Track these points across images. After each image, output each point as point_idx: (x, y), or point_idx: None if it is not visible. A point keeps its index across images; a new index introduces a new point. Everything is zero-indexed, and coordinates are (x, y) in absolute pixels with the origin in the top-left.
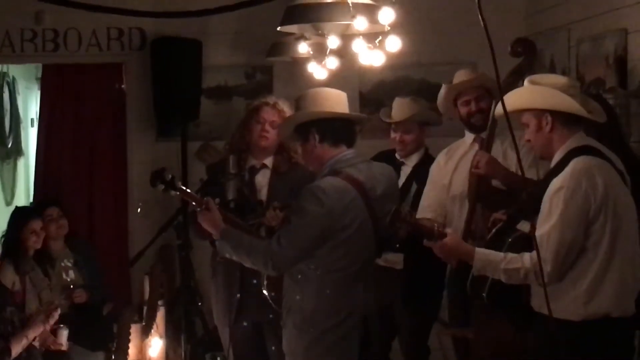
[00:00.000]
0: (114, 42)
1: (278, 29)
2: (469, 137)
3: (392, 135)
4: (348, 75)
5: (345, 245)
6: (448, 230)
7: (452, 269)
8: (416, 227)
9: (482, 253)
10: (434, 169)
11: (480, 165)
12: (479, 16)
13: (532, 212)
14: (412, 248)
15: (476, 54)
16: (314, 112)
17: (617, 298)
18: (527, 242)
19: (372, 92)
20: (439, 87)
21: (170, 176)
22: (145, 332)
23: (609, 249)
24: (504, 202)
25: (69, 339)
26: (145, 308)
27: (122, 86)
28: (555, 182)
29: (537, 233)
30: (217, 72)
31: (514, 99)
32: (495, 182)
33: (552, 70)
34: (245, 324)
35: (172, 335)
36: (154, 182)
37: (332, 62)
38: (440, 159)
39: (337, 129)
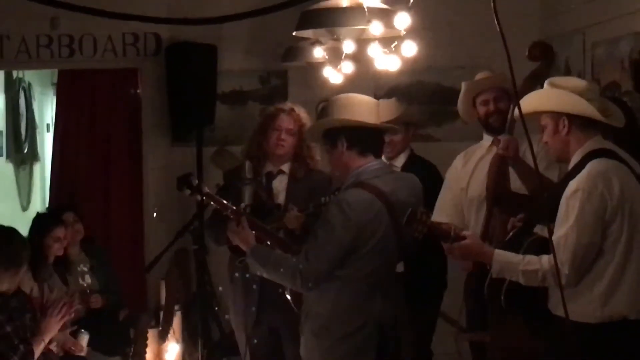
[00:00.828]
0: (130, 48)
1: (294, 34)
2: (487, 139)
3: None
4: (363, 79)
5: (368, 257)
6: (466, 232)
7: (470, 274)
8: (432, 228)
9: (501, 255)
10: (450, 172)
11: (510, 147)
12: (495, 19)
13: (548, 214)
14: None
15: (492, 58)
16: (345, 120)
17: (635, 300)
18: (544, 245)
19: (387, 97)
20: (453, 91)
21: (196, 181)
22: (162, 337)
23: (625, 251)
24: (522, 205)
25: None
26: (161, 313)
27: (138, 91)
28: (572, 185)
29: (554, 236)
30: (232, 77)
31: (533, 100)
32: (513, 186)
33: (567, 73)
34: (262, 329)
35: (188, 340)
36: (181, 186)
37: (348, 67)
38: (457, 162)
39: (365, 138)
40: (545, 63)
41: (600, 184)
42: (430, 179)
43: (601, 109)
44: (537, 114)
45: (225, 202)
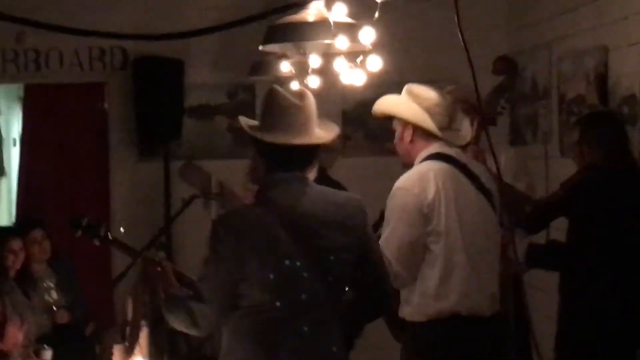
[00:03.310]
0: (96, 62)
1: (260, 48)
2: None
3: None
4: (331, 94)
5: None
6: None
7: None
8: None
9: None
10: None
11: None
12: (459, 34)
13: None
14: None
15: (460, 72)
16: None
17: (464, 296)
18: None
19: (355, 111)
20: None
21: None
22: (129, 353)
23: (448, 248)
24: None
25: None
26: (128, 328)
27: (105, 106)
28: (396, 183)
29: (382, 236)
30: (200, 91)
31: (384, 103)
32: None
33: (533, 87)
34: None
35: (155, 355)
36: (73, 228)
37: (314, 81)
38: None
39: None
40: (509, 77)
41: (417, 182)
42: None
43: (445, 123)
44: (388, 117)
45: (129, 246)
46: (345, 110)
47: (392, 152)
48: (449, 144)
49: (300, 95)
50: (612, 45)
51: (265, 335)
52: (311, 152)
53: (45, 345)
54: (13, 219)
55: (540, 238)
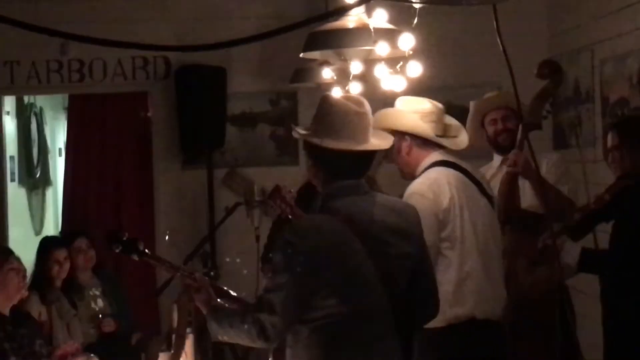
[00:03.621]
0: (139, 71)
1: (301, 55)
2: (497, 159)
3: None
4: (372, 99)
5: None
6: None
7: None
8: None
9: None
10: None
11: (518, 162)
12: (498, 38)
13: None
14: None
15: (501, 76)
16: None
17: (480, 300)
18: None
19: None
20: (464, 109)
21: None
22: None
23: (462, 252)
24: (533, 223)
25: None
26: (173, 336)
27: (148, 114)
28: (408, 190)
29: None
30: (242, 99)
31: (380, 118)
32: (523, 205)
33: (575, 91)
34: None
35: None
36: (112, 244)
37: (356, 87)
38: None
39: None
40: (553, 81)
41: (429, 188)
42: None
43: (440, 131)
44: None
45: (170, 262)
46: None
47: None
48: (448, 151)
49: (358, 102)
50: None
51: (336, 346)
52: (371, 159)
53: (92, 355)
54: (59, 228)
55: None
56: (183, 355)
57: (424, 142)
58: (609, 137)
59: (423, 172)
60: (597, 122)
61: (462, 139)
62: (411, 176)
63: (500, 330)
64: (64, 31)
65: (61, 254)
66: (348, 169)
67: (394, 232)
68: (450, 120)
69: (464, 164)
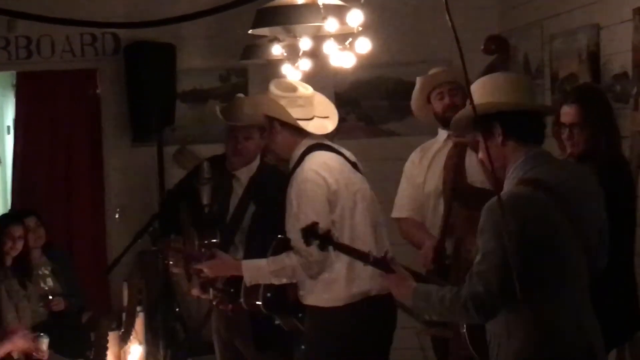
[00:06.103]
0: (88, 48)
1: (250, 31)
2: (442, 134)
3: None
4: (322, 75)
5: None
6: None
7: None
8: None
9: (248, 262)
10: (407, 167)
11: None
12: (447, 15)
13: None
14: None
15: (451, 52)
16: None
17: (374, 275)
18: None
19: (347, 92)
20: (413, 85)
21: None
22: (124, 339)
23: (352, 229)
24: (480, 199)
25: (49, 347)
26: (124, 315)
27: (97, 92)
28: (297, 177)
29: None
30: (192, 76)
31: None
32: (470, 180)
33: (526, 66)
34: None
35: (152, 341)
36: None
37: (306, 64)
38: (413, 157)
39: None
40: (500, 56)
41: (320, 171)
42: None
43: (309, 114)
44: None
45: (358, 250)
46: (338, 92)
47: (386, 133)
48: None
49: None
50: (604, 23)
51: (550, 322)
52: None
53: (42, 333)
54: (9, 206)
55: None
56: (133, 333)
57: (294, 127)
58: (565, 110)
59: (301, 156)
60: (546, 97)
61: (332, 120)
62: (285, 160)
63: (392, 303)
64: (11, 9)
65: (16, 230)
66: (535, 132)
67: (589, 197)
68: (323, 101)
69: (334, 145)
